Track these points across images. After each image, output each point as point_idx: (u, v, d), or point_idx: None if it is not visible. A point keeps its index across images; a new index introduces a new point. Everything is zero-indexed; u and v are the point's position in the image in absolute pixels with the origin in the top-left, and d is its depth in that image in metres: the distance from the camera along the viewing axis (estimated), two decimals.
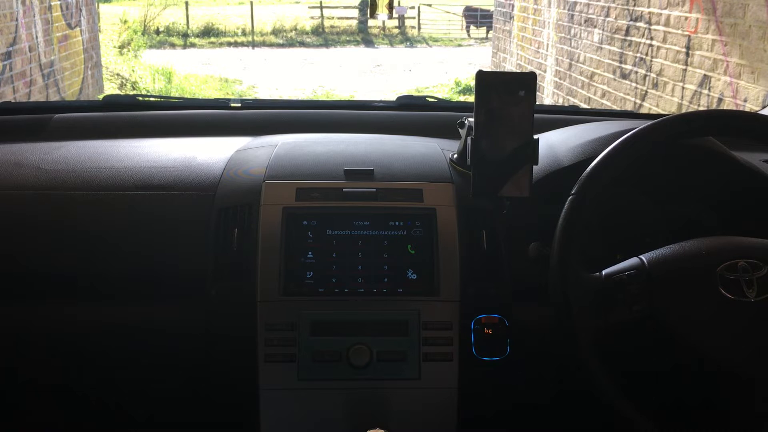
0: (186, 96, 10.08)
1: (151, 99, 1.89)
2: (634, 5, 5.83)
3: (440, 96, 8.50)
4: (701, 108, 4.81)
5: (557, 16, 7.54)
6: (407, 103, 1.70)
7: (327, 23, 19.73)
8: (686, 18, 5.05)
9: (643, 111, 5.56)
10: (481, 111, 1.16)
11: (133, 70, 11.29)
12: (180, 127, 1.59)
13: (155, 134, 1.54)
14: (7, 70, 6.30)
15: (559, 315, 1.04)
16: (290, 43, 17.90)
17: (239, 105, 1.69)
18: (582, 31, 6.89)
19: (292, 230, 1.19)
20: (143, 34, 15.73)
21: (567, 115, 1.67)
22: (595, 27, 6.60)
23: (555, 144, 1.34)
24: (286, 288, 1.17)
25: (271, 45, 17.73)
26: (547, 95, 7.89)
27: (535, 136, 1.17)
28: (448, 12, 20.73)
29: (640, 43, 5.76)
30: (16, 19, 6.51)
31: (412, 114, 1.66)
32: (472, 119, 1.19)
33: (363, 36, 19.13)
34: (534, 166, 1.18)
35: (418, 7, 20.24)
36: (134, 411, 1.30)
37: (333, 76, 12.74)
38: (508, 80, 1.15)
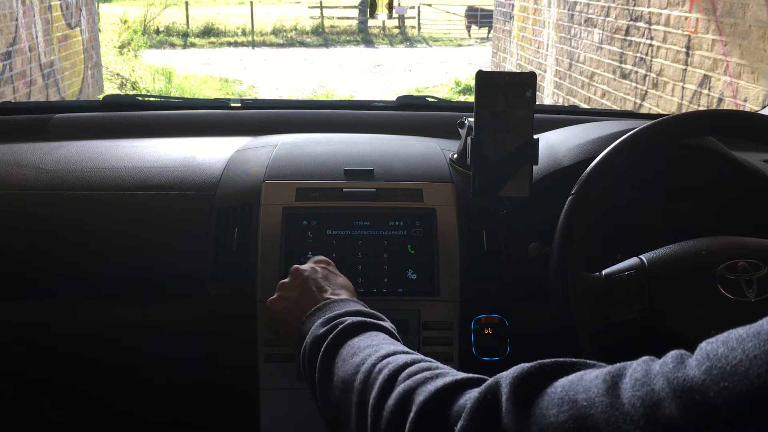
0: (186, 96, 10.09)
1: (151, 99, 1.89)
2: (634, 5, 5.83)
3: (440, 96, 8.50)
4: (701, 108, 4.81)
5: (557, 16, 7.54)
6: (407, 103, 1.70)
7: (327, 23, 19.71)
8: (686, 18, 5.05)
9: (643, 111, 5.56)
10: (481, 111, 1.16)
11: (133, 70, 11.29)
12: (180, 127, 1.59)
13: (155, 134, 1.54)
14: (7, 70, 6.30)
15: (559, 315, 1.04)
16: (290, 43, 17.89)
17: (239, 105, 1.69)
18: (582, 31, 6.89)
19: (292, 230, 1.19)
20: (143, 34, 15.73)
21: (567, 115, 1.67)
22: (595, 27, 6.60)
23: (555, 144, 1.33)
24: None
25: (271, 45, 17.72)
26: (547, 95, 7.89)
27: (535, 136, 1.17)
28: (448, 12, 20.73)
29: (640, 43, 5.76)
30: (16, 19, 6.51)
31: (412, 114, 1.66)
32: (472, 119, 1.18)
33: (363, 36, 19.12)
34: (534, 166, 1.17)
35: (418, 7, 20.22)
36: (133, 410, 1.30)
37: (333, 76, 12.73)
38: (509, 80, 1.15)
